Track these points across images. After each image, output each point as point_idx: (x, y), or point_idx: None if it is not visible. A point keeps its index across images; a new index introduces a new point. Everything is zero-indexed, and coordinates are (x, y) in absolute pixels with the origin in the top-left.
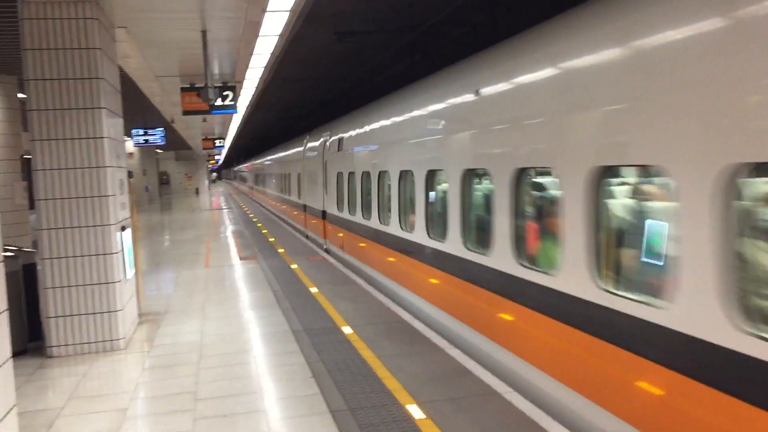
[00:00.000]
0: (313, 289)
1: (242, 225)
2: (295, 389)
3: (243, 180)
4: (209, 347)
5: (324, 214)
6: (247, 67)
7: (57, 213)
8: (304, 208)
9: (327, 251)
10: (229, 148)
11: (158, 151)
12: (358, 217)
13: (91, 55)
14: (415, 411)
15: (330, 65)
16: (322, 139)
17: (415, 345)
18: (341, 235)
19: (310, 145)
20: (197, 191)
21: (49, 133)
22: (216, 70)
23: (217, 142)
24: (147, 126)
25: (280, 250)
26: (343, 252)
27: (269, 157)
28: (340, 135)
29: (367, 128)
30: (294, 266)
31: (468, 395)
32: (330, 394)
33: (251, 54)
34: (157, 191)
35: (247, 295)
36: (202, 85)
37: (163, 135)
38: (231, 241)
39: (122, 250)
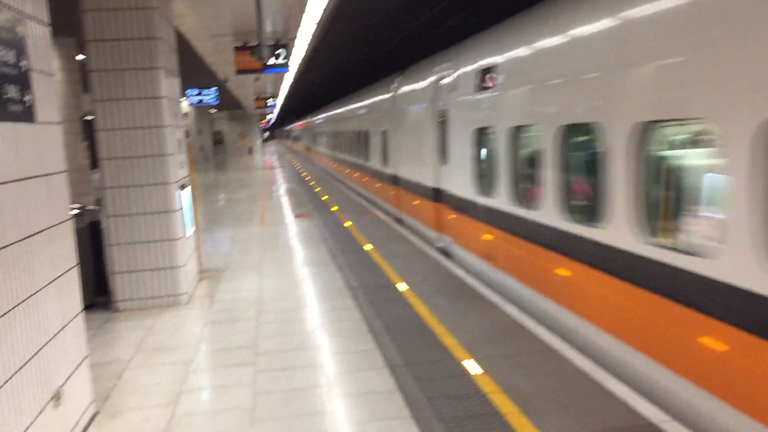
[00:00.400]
0: (367, 247)
1: (295, 183)
2: (351, 344)
3: (297, 139)
4: (267, 303)
5: (438, 195)
6: (299, 25)
7: (119, 172)
8: (395, 180)
9: (445, 253)
10: (281, 107)
11: (212, 110)
12: (547, 215)
13: (148, 15)
14: (472, 366)
15: (381, 22)
16: (432, 78)
17: (470, 302)
18: (489, 238)
19: (405, 89)
20: (250, 150)
21: (109, 93)
22: (269, 29)
23: (269, 101)
24: (201, 86)
25: (334, 208)
26: (499, 269)
27: (333, 112)
28: (485, 62)
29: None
30: (347, 224)
31: (524, 352)
32: (386, 349)
33: (303, 11)
34: (212, 150)
35: (302, 252)
36: (256, 43)
37: (216, 94)
38: (285, 200)
39: (182, 207)
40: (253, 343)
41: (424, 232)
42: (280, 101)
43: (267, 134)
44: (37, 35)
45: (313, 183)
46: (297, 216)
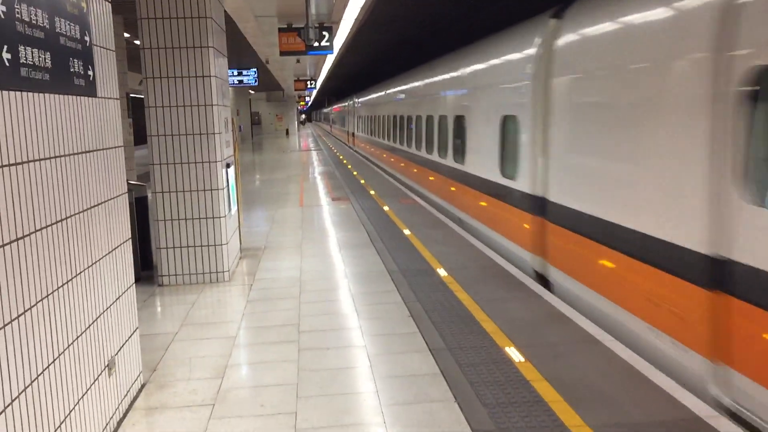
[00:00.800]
0: (406, 231)
1: (333, 167)
2: (393, 327)
3: (334, 123)
4: (308, 283)
5: (727, 276)
6: (345, 7)
7: (168, 148)
8: (539, 207)
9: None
10: (319, 90)
11: (251, 91)
12: None
13: None
14: (514, 354)
15: (424, 4)
16: None
17: (511, 290)
18: None
19: (582, 37)
20: (287, 132)
21: (160, 71)
22: (313, 11)
23: (308, 83)
24: (241, 66)
25: (371, 192)
26: None
27: (400, 87)
28: None
29: None
30: (386, 208)
31: (567, 341)
32: (428, 333)
33: None
34: (250, 131)
35: (341, 234)
36: (300, 25)
37: (256, 75)
38: (323, 182)
39: (227, 186)
40: (296, 321)
41: (641, 336)
42: (319, 83)
43: (303, 117)
44: (100, 11)
45: (350, 167)
46: (335, 198)
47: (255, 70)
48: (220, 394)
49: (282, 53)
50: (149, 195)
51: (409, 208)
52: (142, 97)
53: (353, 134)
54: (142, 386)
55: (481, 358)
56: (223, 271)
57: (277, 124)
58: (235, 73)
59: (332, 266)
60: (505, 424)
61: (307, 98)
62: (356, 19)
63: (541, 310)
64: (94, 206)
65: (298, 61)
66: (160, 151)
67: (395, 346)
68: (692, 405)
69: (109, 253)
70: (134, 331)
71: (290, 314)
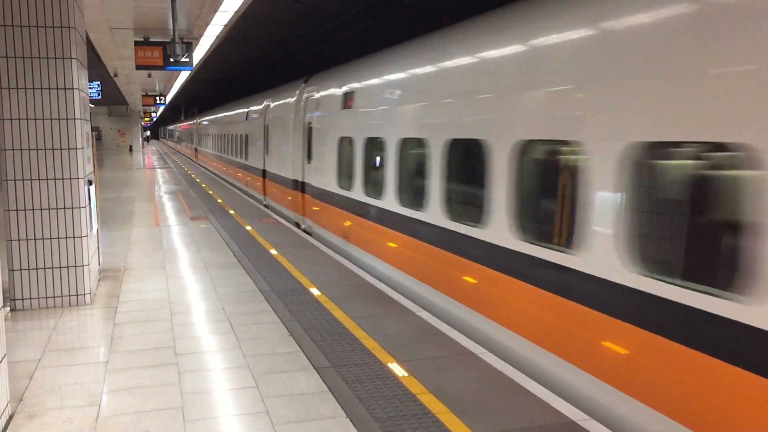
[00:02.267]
0: (273, 251)
1: (185, 185)
2: (274, 347)
3: (205, 144)
4: (178, 304)
5: None
6: (207, 24)
7: (24, 164)
8: None
9: None
10: (167, 105)
11: (90, 105)
12: None
13: (62, 2)
14: (397, 369)
15: (281, 26)
16: None
17: (385, 307)
18: None
19: None
20: (131, 149)
21: (17, 82)
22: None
23: (158, 99)
24: None
25: (231, 211)
26: None
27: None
28: None
29: None
30: (248, 228)
31: (445, 355)
32: (311, 351)
33: (216, 10)
34: None
35: (206, 254)
36: (157, 39)
37: (99, 89)
38: (178, 201)
39: (89, 203)
40: (171, 344)
41: None
42: (168, 98)
43: (148, 133)
44: None
45: (204, 185)
46: (193, 218)
47: (98, 83)
48: (99, 422)
49: (138, 67)
50: None
51: (272, 228)
52: None
53: (301, 183)
54: (11, 417)
55: (366, 374)
56: (84, 294)
57: (119, 140)
58: None
59: (201, 287)
60: None
61: (153, 114)
62: (217, 36)
63: (416, 326)
64: None
65: (149, 75)
66: (15, 166)
67: (279, 366)
68: (567, 411)
69: None
70: (3, 358)
71: (164, 337)
